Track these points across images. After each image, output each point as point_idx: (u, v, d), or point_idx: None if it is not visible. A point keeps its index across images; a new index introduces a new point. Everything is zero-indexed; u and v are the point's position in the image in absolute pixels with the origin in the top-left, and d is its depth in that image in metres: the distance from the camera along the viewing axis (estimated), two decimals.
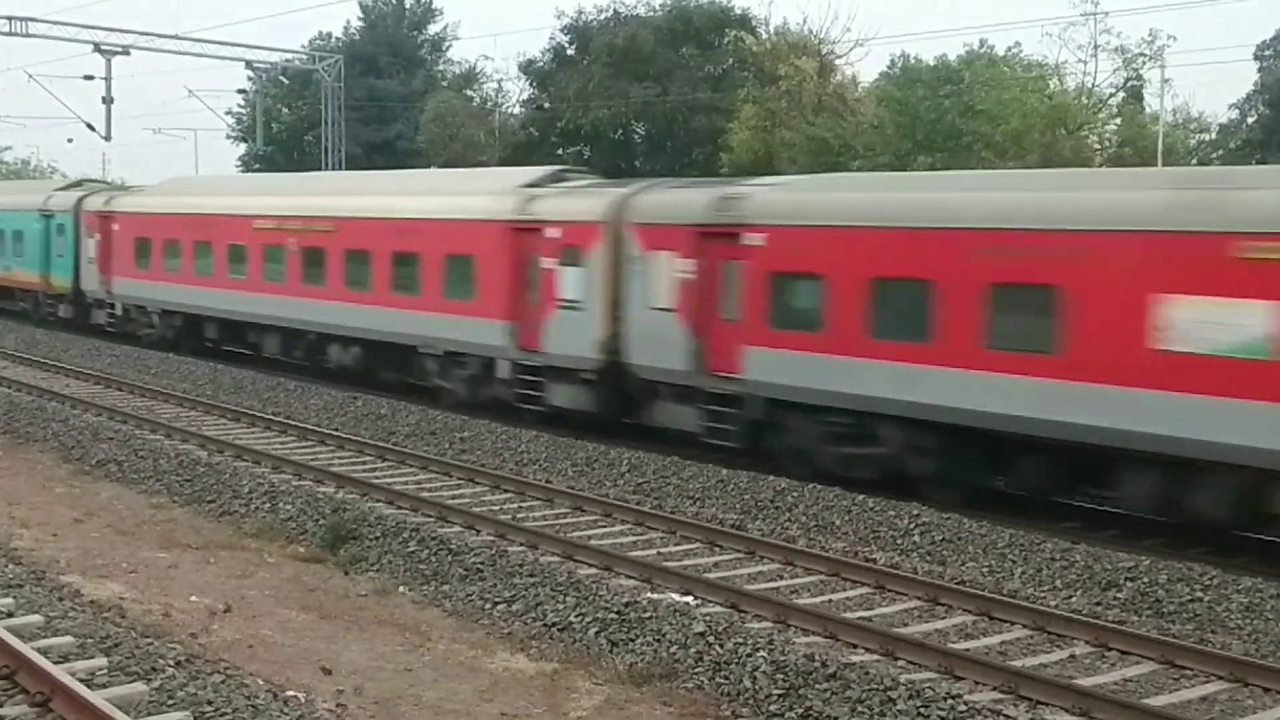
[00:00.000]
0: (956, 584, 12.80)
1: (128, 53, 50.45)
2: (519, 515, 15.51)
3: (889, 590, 12.73)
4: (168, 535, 14.87)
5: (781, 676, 9.93)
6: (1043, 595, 12.55)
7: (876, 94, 46.49)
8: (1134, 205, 14.44)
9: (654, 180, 22.77)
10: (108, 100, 50.62)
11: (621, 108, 54.58)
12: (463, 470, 17.99)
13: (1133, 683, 10.33)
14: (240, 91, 66.80)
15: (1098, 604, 12.29)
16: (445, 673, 10.48)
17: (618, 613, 11.51)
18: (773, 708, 9.61)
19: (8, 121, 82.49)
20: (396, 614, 12.07)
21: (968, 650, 10.86)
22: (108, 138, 52.79)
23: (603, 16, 57.75)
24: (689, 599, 12.11)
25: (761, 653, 10.33)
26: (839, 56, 47.62)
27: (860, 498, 15.93)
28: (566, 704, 9.87)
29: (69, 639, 9.88)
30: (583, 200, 21.22)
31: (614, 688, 10.18)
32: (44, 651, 9.30)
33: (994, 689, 9.97)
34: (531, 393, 21.29)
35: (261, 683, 9.53)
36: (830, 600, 12.43)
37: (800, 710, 9.50)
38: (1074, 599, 12.46)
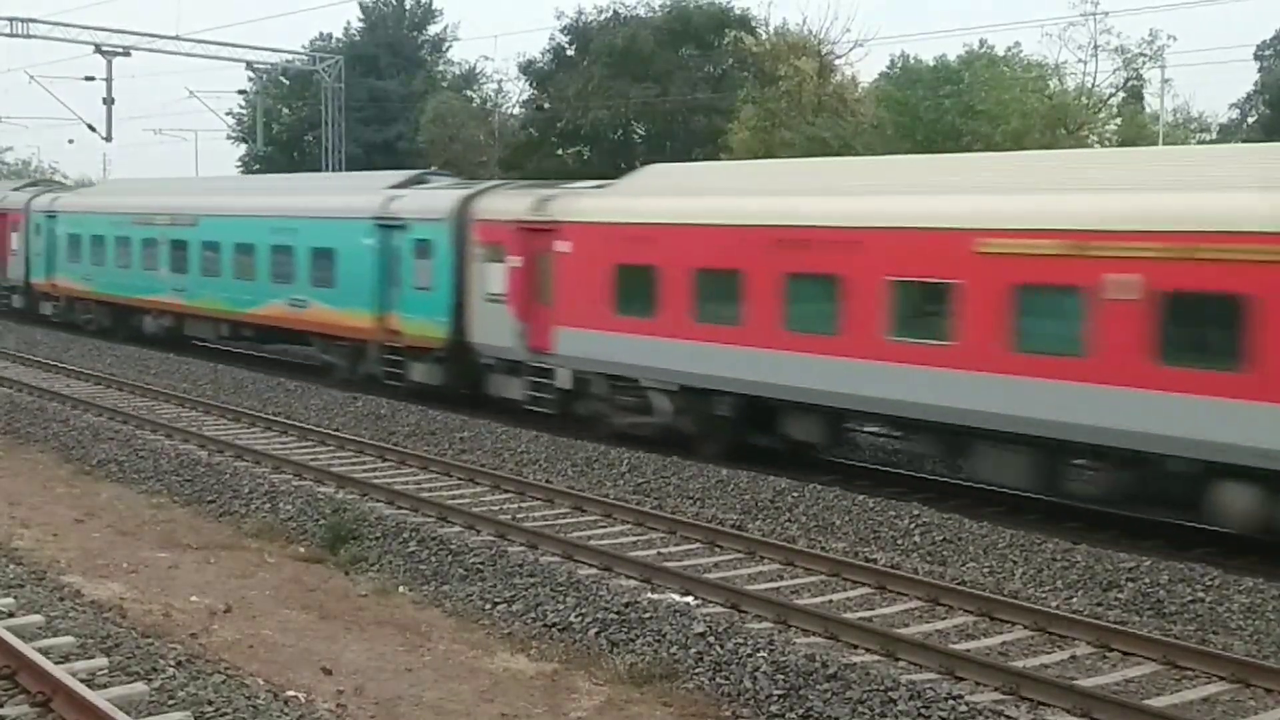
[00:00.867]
0: (957, 584, 12.80)
1: (128, 54, 50.49)
2: (519, 515, 15.51)
3: (890, 591, 12.73)
4: (168, 535, 14.87)
5: (782, 677, 9.93)
6: (1044, 596, 12.54)
7: (876, 94, 46.48)
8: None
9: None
10: (108, 101, 50.70)
11: (621, 108, 54.58)
12: (463, 470, 17.99)
13: (1134, 683, 10.32)
14: (241, 92, 66.97)
15: (1099, 604, 12.28)
16: (445, 673, 10.48)
17: (618, 613, 11.50)
18: (773, 708, 9.60)
19: (9, 122, 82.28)
20: (397, 614, 12.07)
21: (969, 651, 10.86)
22: (109, 138, 52.87)
23: (602, 17, 57.78)
24: (689, 599, 12.11)
25: (762, 653, 10.32)
26: (839, 57, 47.65)
27: (861, 498, 15.94)
28: (567, 704, 9.87)
29: (70, 639, 9.88)
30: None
31: (614, 688, 10.18)
32: (45, 651, 9.31)
33: (995, 690, 9.96)
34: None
35: (262, 683, 9.54)
36: (831, 601, 12.42)
37: (801, 711, 9.50)
38: (1075, 599, 12.45)
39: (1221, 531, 14.42)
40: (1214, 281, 13.41)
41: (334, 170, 54.35)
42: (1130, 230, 14.08)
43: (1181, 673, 10.54)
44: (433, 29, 70.50)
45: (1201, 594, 12.36)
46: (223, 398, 24.59)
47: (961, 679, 10.16)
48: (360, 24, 68.74)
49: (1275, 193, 13.38)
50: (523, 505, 16.22)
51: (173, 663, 9.51)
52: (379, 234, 24.54)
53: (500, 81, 67.29)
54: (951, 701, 9.36)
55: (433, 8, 70.12)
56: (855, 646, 10.94)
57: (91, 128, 53.83)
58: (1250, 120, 52.86)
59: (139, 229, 32.83)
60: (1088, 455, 14.81)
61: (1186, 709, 9.76)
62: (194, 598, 12.21)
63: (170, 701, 8.71)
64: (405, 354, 24.01)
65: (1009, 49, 45.92)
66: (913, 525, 14.83)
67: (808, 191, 18.46)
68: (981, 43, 45.93)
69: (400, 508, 15.73)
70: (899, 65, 49.39)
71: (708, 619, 11.23)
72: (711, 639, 10.71)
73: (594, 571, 13.03)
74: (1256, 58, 52.42)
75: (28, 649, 9.22)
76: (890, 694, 9.48)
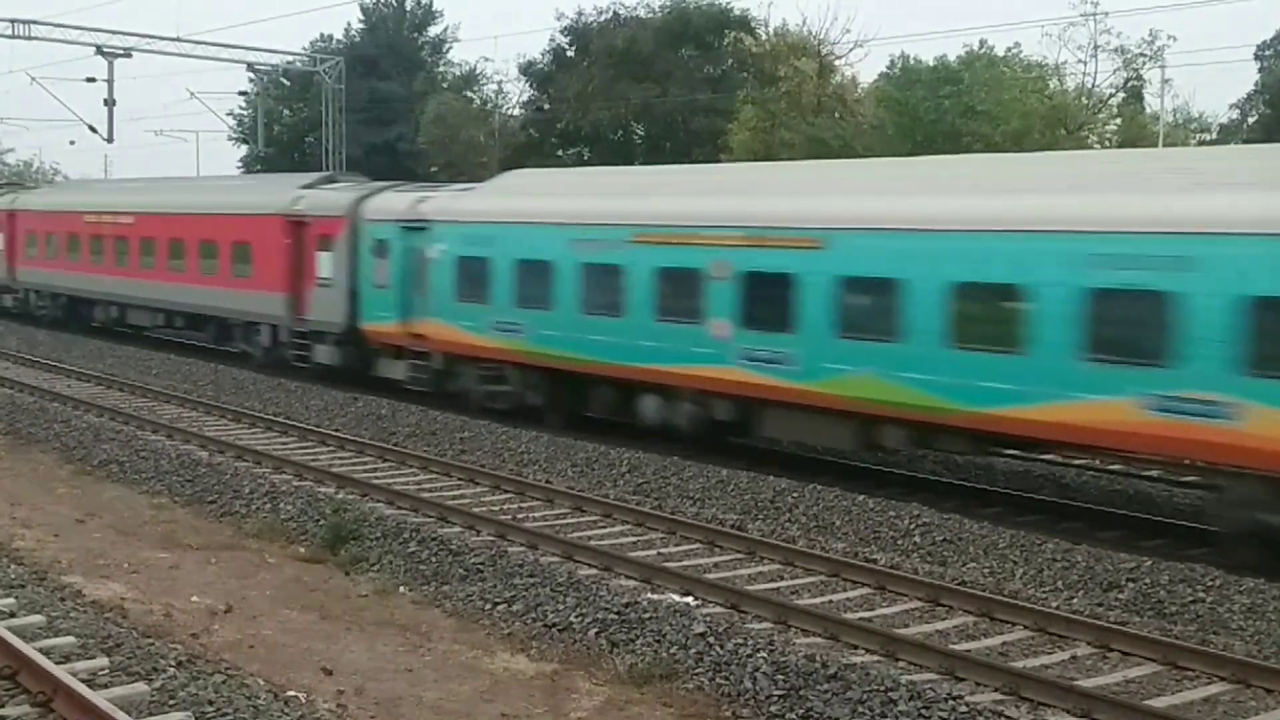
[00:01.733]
0: (957, 585, 12.80)
1: (130, 55, 50.41)
2: (519, 516, 15.51)
3: (890, 591, 12.73)
4: (169, 536, 14.88)
5: (782, 677, 9.93)
6: (1044, 596, 12.55)
7: (876, 95, 46.46)
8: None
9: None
10: (110, 102, 50.61)
11: (621, 109, 54.58)
12: (463, 471, 17.99)
13: (1134, 684, 10.32)
14: (242, 93, 66.89)
15: (1099, 605, 12.28)
16: (446, 673, 10.48)
17: (618, 613, 11.51)
18: (773, 708, 9.61)
19: (10, 124, 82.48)
20: (397, 614, 12.07)
21: (969, 651, 10.86)
22: (110, 140, 52.77)
23: (602, 18, 57.78)
24: (689, 599, 12.11)
25: (762, 653, 10.33)
26: (838, 57, 47.63)
27: (861, 498, 15.94)
28: (567, 704, 9.87)
29: (71, 639, 9.89)
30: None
31: (614, 688, 10.19)
32: (46, 651, 9.32)
33: (995, 690, 9.97)
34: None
35: (262, 683, 9.55)
36: (831, 601, 12.43)
37: (801, 711, 9.50)
38: (1075, 600, 12.45)
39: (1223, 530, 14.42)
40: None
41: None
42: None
43: (1182, 673, 10.54)
44: (433, 30, 70.49)
45: (1202, 594, 12.36)
46: (223, 398, 24.61)
47: (962, 679, 10.16)
48: (361, 25, 68.75)
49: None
50: (523, 505, 16.23)
51: (173, 663, 9.51)
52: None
53: (500, 82, 67.21)
54: (951, 702, 9.37)
55: (433, 9, 70.12)
56: (855, 647, 10.94)
57: (93, 129, 53.82)
58: (1251, 120, 52.82)
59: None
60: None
61: (1187, 709, 9.76)
62: (195, 598, 12.22)
63: (171, 701, 8.72)
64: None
65: (1009, 49, 45.94)
66: (913, 525, 14.83)
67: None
68: (981, 43, 45.92)
69: (400, 508, 15.73)
70: (899, 66, 49.35)
71: (708, 619, 11.23)
72: (711, 639, 10.72)
73: (594, 572, 13.04)
74: (1257, 58, 52.36)
75: (29, 649, 9.23)
76: (890, 694, 9.49)
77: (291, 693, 9.50)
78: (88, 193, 38.97)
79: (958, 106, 40.02)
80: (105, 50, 49.50)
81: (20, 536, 14.17)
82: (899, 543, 14.46)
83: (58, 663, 9.07)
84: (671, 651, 10.67)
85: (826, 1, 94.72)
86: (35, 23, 48.86)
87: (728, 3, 56.10)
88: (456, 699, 9.91)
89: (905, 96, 41.93)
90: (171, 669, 9.34)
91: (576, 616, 11.59)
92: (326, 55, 60.89)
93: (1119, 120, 45.95)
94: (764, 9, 60.13)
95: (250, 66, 57.63)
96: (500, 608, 12.09)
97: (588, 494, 16.67)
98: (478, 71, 68.07)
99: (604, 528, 15.25)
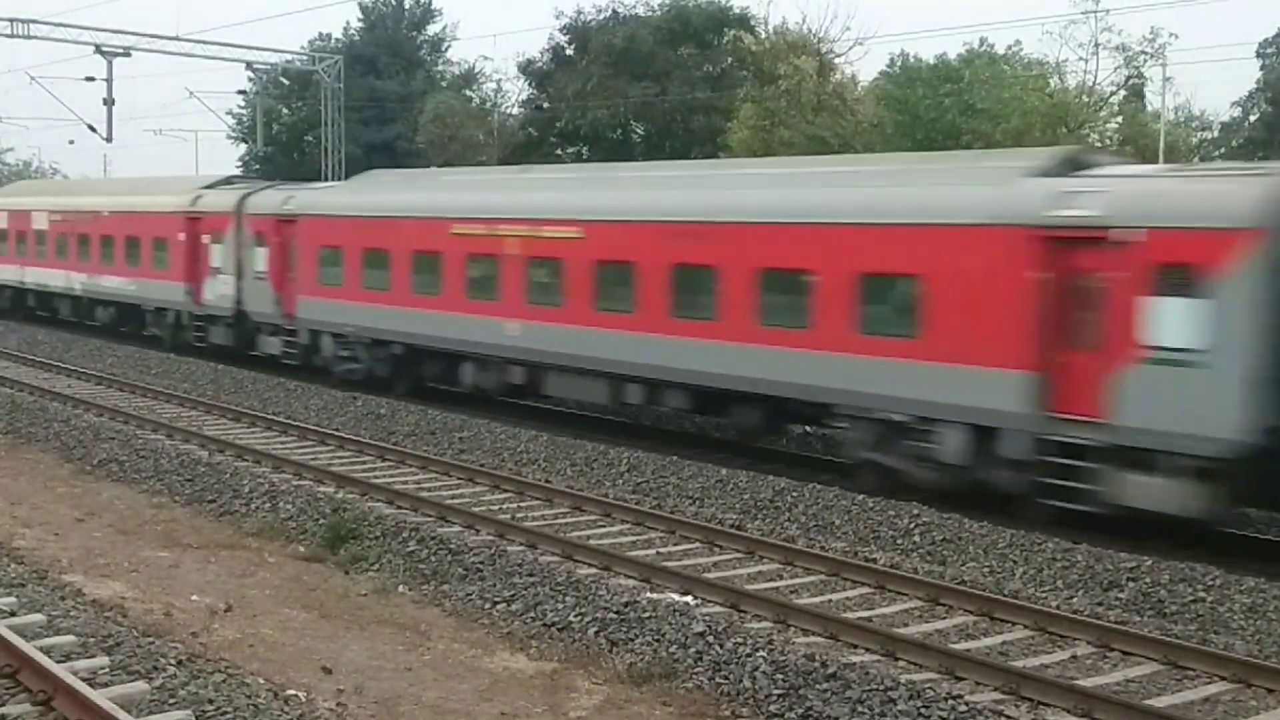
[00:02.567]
0: (957, 584, 12.80)
1: (129, 54, 50.41)
2: (518, 515, 15.51)
3: (889, 590, 12.73)
4: (169, 535, 14.88)
5: (781, 676, 9.93)
6: (1044, 595, 12.55)
7: (876, 93, 46.44)
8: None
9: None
10: (109, 101, 50.61)
11: (620, 108, 54.54)
12: (462, 470, 17.99)
13: (1135, 683, 10.32)
14: (241, 92, 66.85)
15: (1099, 604, 12.28)
16: (445, 672, 10.48)
17: (617, 612, 11.51)
18: (773, 708, 9.60)
19: (10, 123, 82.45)
20: (396, 613, 12.07)
21: (969, 651, 10.86)
22: (109, 139, 52.80)
23: (601, 16, 57.73)
24: (688, 599, 12.11)
25: (761, 653, 10.33)
26: (838, 55, 47.59)
27: (860, 498, 15.94)
28: (566, 703, 9.87)
29: (71, 638, 9.89)
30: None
31: (613, 687, 10.18)
32: (46, 650, 9.31)
33: (995, 690, 9.97)
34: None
35: (262, 682, 9.55)
36: (830, 600, 12.43)
37: (800, 710, 9.50)
38: (1075, 599, 12.45)
39: (1222, 531, 14.43)
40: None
41: (334, 171, 54.43)
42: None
43: (1182, 673, 10.54)
44: (432, 29, 70.43)
45: (1203, 594, 12.36)
46: (223, 398, 24.62)
47: (961, 679, 10.16)
48: (360, 24, 68.69)
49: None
50: (522, 505, 16.23)
51: (173, 662, 9.51)
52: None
53: (499, 81, 67.27)
54: (951, 701, 9.36)
55: (432, 7, 70.04)
56: (855, 646, 10.94)
57: (92, 128, 53.83)
58: (1252, 118, 52.84)
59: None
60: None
61: (1187, 709, 9.76)
62: (195, 597, 12.22)
63: (171, 700, 8.71)
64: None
65: (1009, 47, 46.04)
66: (912, 525, 14.83)
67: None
68: (982, 41, 45.99)
69: (400, 507, 15.73)
70: (899, 64, 49.41)
71: (707, 618, 11.23)
72: (711, 638, 10.72)
73: (593, 571, 13.04)
74: (1259, 55, 52.36)
75: (29, 648, 9.23)
76: (890, 694, 9.48)
77: (291, 691, 9.50)
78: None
79: (958, 105, 40.00)
80: (104, 49, 49.47)
81: (20, 535, 14.17)
82: (898, 542, 14.46)
83: (58, 661, 9.06)
84: (671, 651, 10.67)
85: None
86: (34, 21, 48.86)
87: (727, 1, 56.11)
88: (456, 698, 9.90)
89: (905, 95, 41.90)
90: (171, 668, 9.34)
91: (576, 615, 11.59)
92: (325, 54, 60.86)
93: (1120, 118, 45.94)
94: (763, 7, 60.72)
95: (249, 65, 57.64)
96: (500, 607, 12.09)
97: (587, 493, 16.67)
98: (477, 70, 68.14)
99: (603, 527, 15.24)
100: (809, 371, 17.02)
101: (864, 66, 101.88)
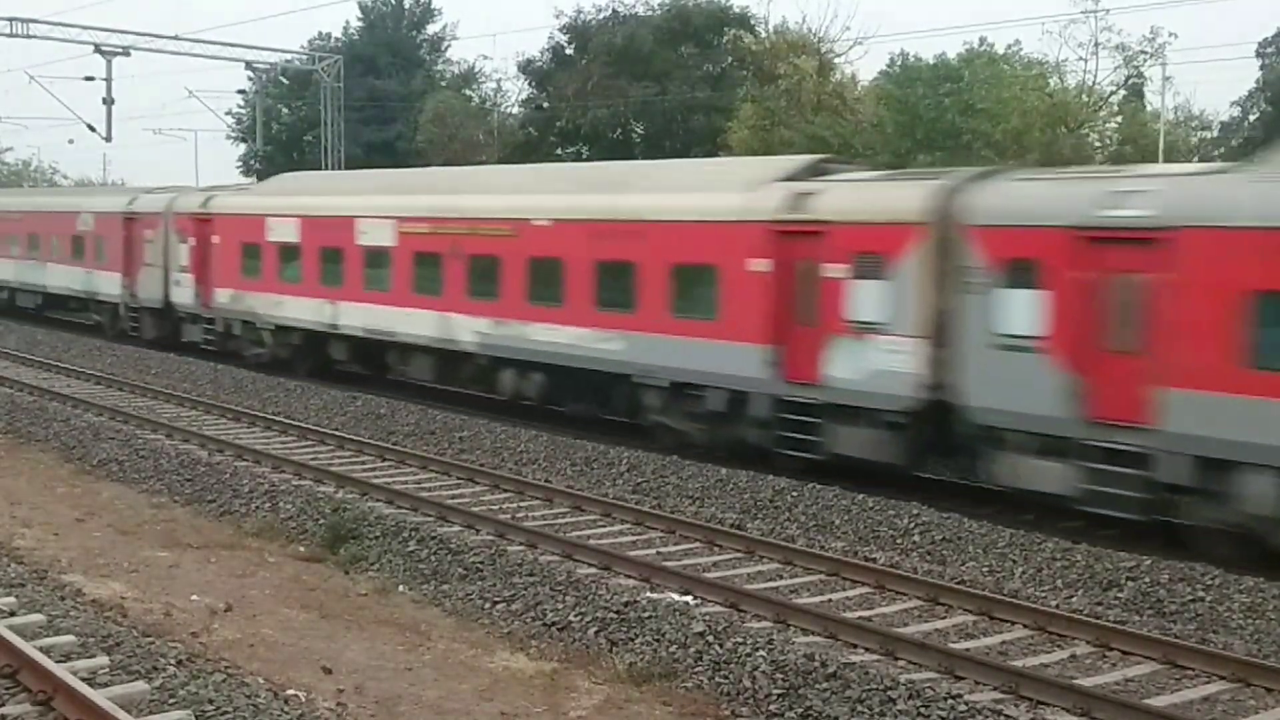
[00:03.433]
0: (957, 584, 12.81)
1: (128, 54, 50.45)
2: (518, 515, 15.52)
3: (889, 590, 12.74)
4: (169, 535, 14.88)
5: (781, 676, 9.94)
6: (1043, 595, 12.55)
7: (876, 93, 46.40)
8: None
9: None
10: (108, 101, 50.66)
11: (620, 107, 54.52)
12: (462, 470, 18.00)
13: (1134, 683, 10.33)
14: (240, 92, 66.82)
15: (1099, 604, 12.28)
16: (445, 672, 10.49)
17: (617, 612, 11.51)
18: (772, 707, 9.61)
19: (9, 123, 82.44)
20: (396, 613, 12.08)
21: (968, 650, 10.86)
22: (108, 139, 52.85)
23: (601, 16, 57.71)
24: (688, 598, 12.12)
25: (761, 652, 10.33)
26: (838, 55, 47.63)
27: (860, 497, 15.95)
28: (566, 703, 9.87)
29: (71, 638, 9.89)
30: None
31: (613, 687, 10.19)
32: (46, 650, 9.31)
33: (995, 689, 9.97)
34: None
35: (262, 682, 9.55)
36: (830, 600, 12.43)
37: (800, 710, 9.51)
38: (1075, 599, 12.46)
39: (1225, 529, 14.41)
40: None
41: (333, 169, 54.41)
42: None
43: (1182, 672, 10.55)
44: (431, 28, 70.39)
45: (1202, 593, 12.37)
46: (223, 397, 24.62)
47: (961, 678, 10.17)
48: (359, 23, 68.66)
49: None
50: (522, 504, 16.23)
51: (173, 661, 9.52)
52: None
53: (499, 80, 67.23)
54: (951, 701, 9.37)
55: (431, 7, 69.98)
56: (854, 646, 10.95)
57: (91, 128, 53.86)
58: (1252, 118, 52.78)
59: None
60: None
61: (1187, 708, 9.76)
62: (194, 597, 12.22)
63: (171, 700, 8.72)
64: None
65: (1009, 47, 45.89)
66: (912, 524, 14.84)
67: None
68: (981, 40, 45.90)
69: (400, 507, 15.74)
70: (899, 63, 49.33)
71: (707, 618, 11.24)
72: (711, 638, 10.72)
73: (593, 571, 13.04)
74: (1258, 55, 52.27)
75: (29, 648, 9.23)
76: (889, 693, 9.49)
77: (291, 691, 9.51)
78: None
79: (958, 104, 39.99)
80: (104, 49, 49.51)
81: (20, 535, 14.17)
82: (898, 541, 14.47)
83: (58, 661, 9.07)
84: (671, 650, 10.67)
85: None
86: (34, 21, 48.91)
87: (727, 1, 56.08)
88: (456, 697, 9.91)
89: (905, 94, 41.88)
90: (171, 668, 9.34)
91: (576, 615, 11.60)
92: (325, 54, 60.87)
93: (1119, 118, 45.92)
94: (763, 7, 60.74)
95: (249, 65, 57.63)
96: (500, 606, 12.09)
97: (587, 493, 16.67)
98: (476, 69, 68.09)
99: (603, 527, 15.25)
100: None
101: (864, 66, 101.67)
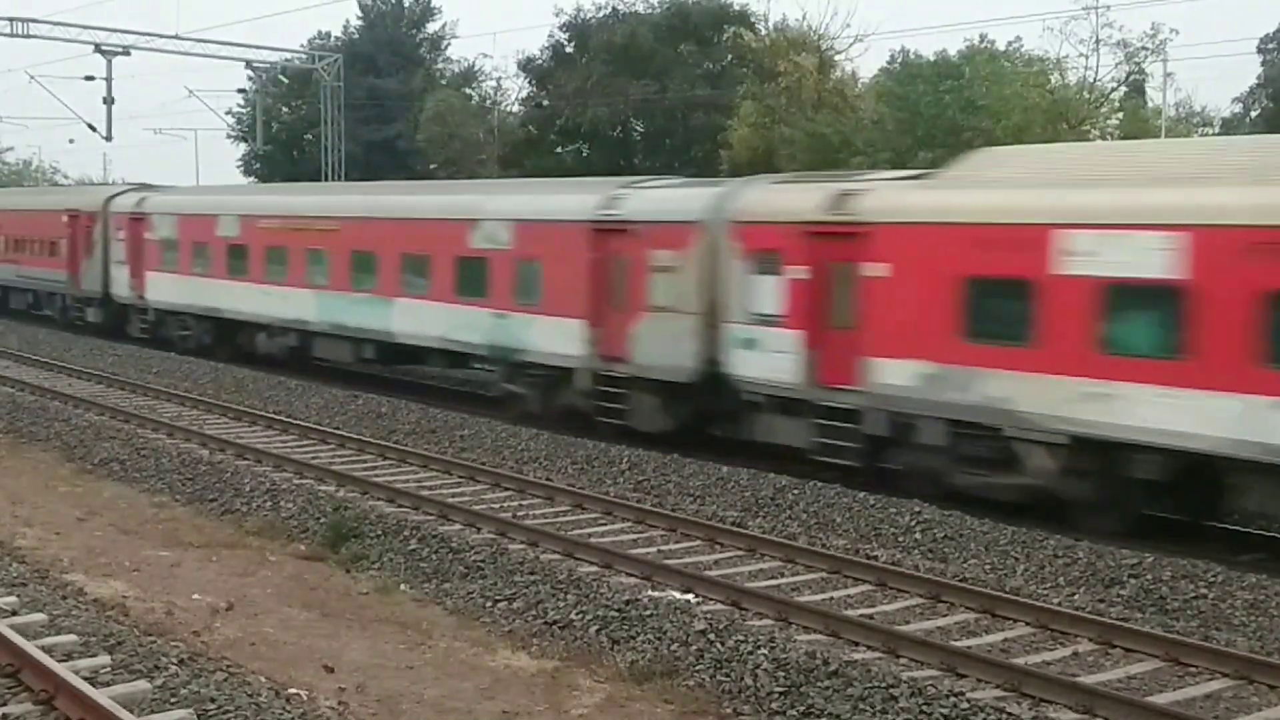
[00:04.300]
0: (959, 581, 12.80)
1: (128, 53, 50.36)
2: (519, 513, 15.51)
3: (890, 588, 12.73)
4: (170, 534, 14.88)
5: (783, 674, 9.93)
6: (1045, 592, 12.54)
7: (877, 90, 46.30)
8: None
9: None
10: (108, 101, 50.56)
11: (620, 105, 54.45)
12: (463, 468, 17.99)
13: (1136, 680, 10.32)
14: (240, 91, 66.71)
15: (1101, 601, 12.27)
16: (446, 670, 10.48)
17: (618, 610, 11.51)
18: (774, 705, 9.60)
19: (9, 122, 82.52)
20: (398, 612, 12.07)
21: (970, 648, 10.86)
22: (109, 138, 52.74)
23: (601, 14, 57.62)
24: (690, 597, 12.12)
25: (763, 650, 10.32)
26: (839, 52, 47.44)
27: (861, 495, 15.94)
28: (568, 702, 9.87)
29: (72, 637, 9.89)
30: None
31: (615, 685, 10.18)
32: (48, 650, 9.32)
33: (997, 687, 9.96)
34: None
35: (264, 680, 9.55)
36: (831, 598, 12.43)
37: (802, 708, 9.50)
38: (1077, 596, 12.45)
39: (1223, 528, 14.42)
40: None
41: (334, 169, 54.42)
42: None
43: (1184, 669, 10.54)
44: (431, 27, 70.25)
45: (1204, 590, 12.36)
46: (224, 397, 24.61)
47: (963, 676, 10.16)
48: (359, 22, 68.54)
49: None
50: (523, 503, 16.22)
51: (175, 661, 9.52)
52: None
53: (499, 79, 66.93)
54: (953, 699, 9.36)
55: (431, 5, 69.84)
56: (856, 644, 10.94)
57: (92, 127, 53.78)
58: (1254, 114, 52.72)
59: None
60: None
61: (1189, 706, 9.75)
62: (196, 596, 12.22)
63: (172, 699, 8.71)
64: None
65: (1010, 44, 45.84)
66: (914, 522, 14.83)
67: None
68: (982, 37, 45.85)
69: (401, 506, 15.74)
70: (899, 61, 49.29)
71: (708, 616, 11.24)
72: (712, 636, 10.71)
73: (594, 569, 13.04)
74: (1260, 51, 52.22)
75: (31, 647, 9.23)
76: (891, 691, 9.48)
77: (293, 690, 9.50)
78: None
79: (958, 101, 39.89)
80: (104, 48, 49.44)
81: (22, 535, 14.17)
82: (900, 539, 14.46)
83: (60, 661, 9.07)
84: (672, 649, 10.67)
85: None
86: (34, 20, 48.84)
87: None
88: (457, 696, 9.91)
89: (906, 92, 41.79)
90: (173, 667, 9.34)
91: (577, 614, 11.59)
92: (325, 53, 60.81)
93: (1121, 115, 45.86)
94: (764, 4, 60.49)
95: (249, 64, 57.62)
96: (501, 605, 12.09)
97: (588, 491, 16.67)
98: (476, 68, 67.92)
99: (604, 525, 15.24)
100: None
101: (864, 63, 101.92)
